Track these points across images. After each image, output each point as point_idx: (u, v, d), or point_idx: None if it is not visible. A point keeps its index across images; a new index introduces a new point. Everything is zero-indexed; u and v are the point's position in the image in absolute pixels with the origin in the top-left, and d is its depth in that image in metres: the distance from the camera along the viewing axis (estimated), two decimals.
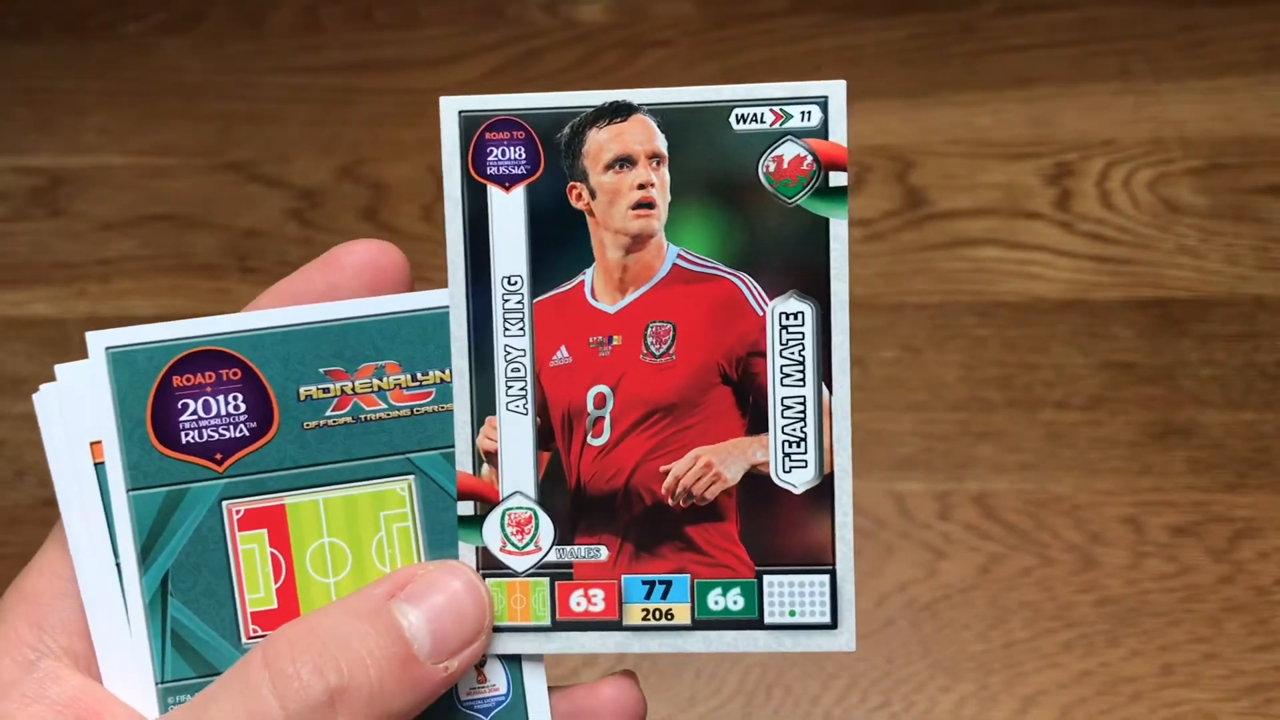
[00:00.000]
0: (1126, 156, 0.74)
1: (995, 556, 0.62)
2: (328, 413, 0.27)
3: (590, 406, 0.28)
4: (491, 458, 0.27)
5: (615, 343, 0.27)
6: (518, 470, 0.27)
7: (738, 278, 0.27)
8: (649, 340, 0.27)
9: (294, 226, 0.73)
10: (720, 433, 0.27)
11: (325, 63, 0.79)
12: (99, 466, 0.27)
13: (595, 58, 0.80)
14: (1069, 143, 0.75)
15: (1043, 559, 0.62)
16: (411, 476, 0.27)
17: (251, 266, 0.72)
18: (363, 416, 0.27)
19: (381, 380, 0.27)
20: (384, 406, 0.27)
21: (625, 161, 0.27)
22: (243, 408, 0.27)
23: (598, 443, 0.28)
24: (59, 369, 0.27)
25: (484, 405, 0.27)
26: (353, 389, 0.27)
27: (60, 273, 0.73)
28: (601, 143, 0.27)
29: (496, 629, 0.27)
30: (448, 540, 0.27)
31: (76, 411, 0.27)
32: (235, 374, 0.27)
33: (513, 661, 0.27)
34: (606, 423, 0.27)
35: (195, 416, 0.27)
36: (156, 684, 0.26)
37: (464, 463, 0.27)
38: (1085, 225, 0.72)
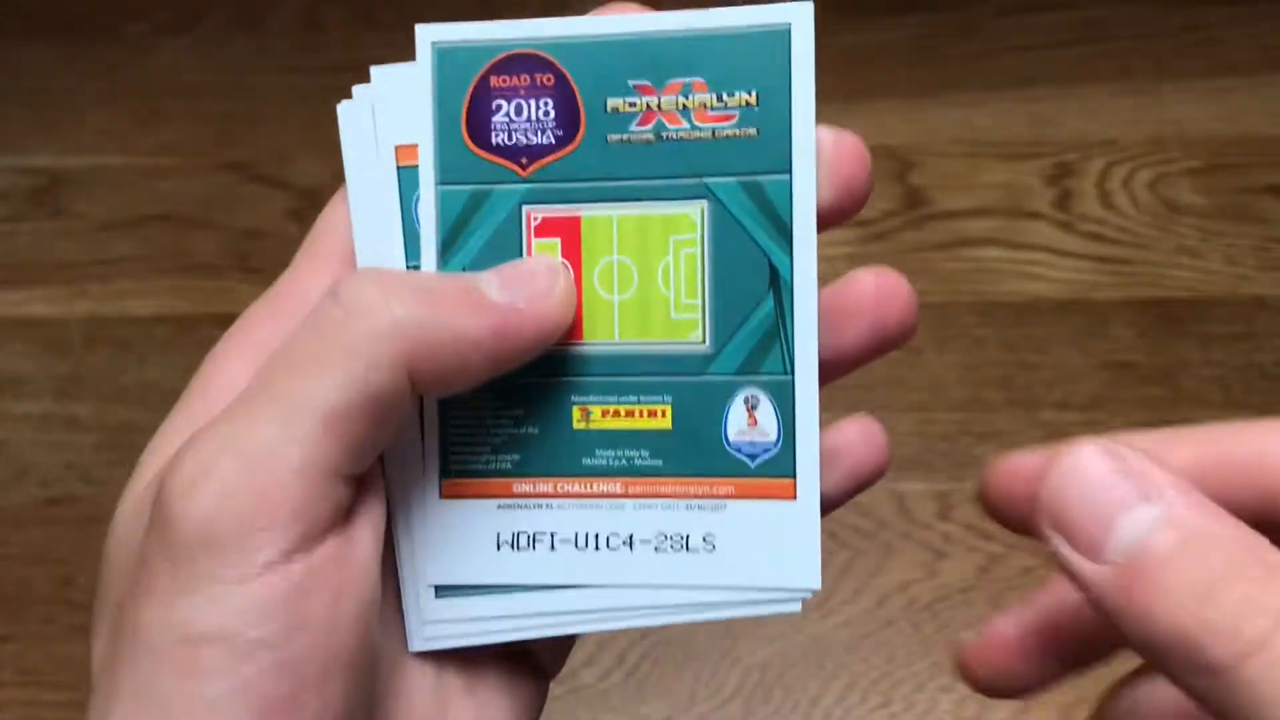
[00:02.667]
0: (1126, 156, 0.74)
1: (995, 556, 0.62)
2: (631, 127, 0.26)
3: None
4: None
5: None
6: None
7: None
8: None
9: (294, 226, 0.73)
10: None
11: (325, 63, 0.79)
12: (402, 170, 0.27)
13: None
14: (1069, 143, 0.75)
15: (1043, 559, 0.62)
16: (704, 201, 0.26)
17: (251, 266, 0.72)
18: (664, 135, 0.26)
19: (687, 99, 0.26)
20: (686, 126, 0.26)
21: None
22: (552, 114, 0.26)
23: None
24: (376, 70, 0.27)
25: None
26: (658, 105, 0.26)
27: (60, 273, 0.72)
28: None
29: None
30: (734, 275, 0.26)
31: (386, 114, 0.27)
32: (549, 80, 0.26)
33: (785, 409, 0.26)
34: None
35: (507, 118, 0.26)
36: None
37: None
38: (1085, 225, 0.72)
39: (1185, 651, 0.21)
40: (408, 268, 0.27)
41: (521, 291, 0.25)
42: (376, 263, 0.26)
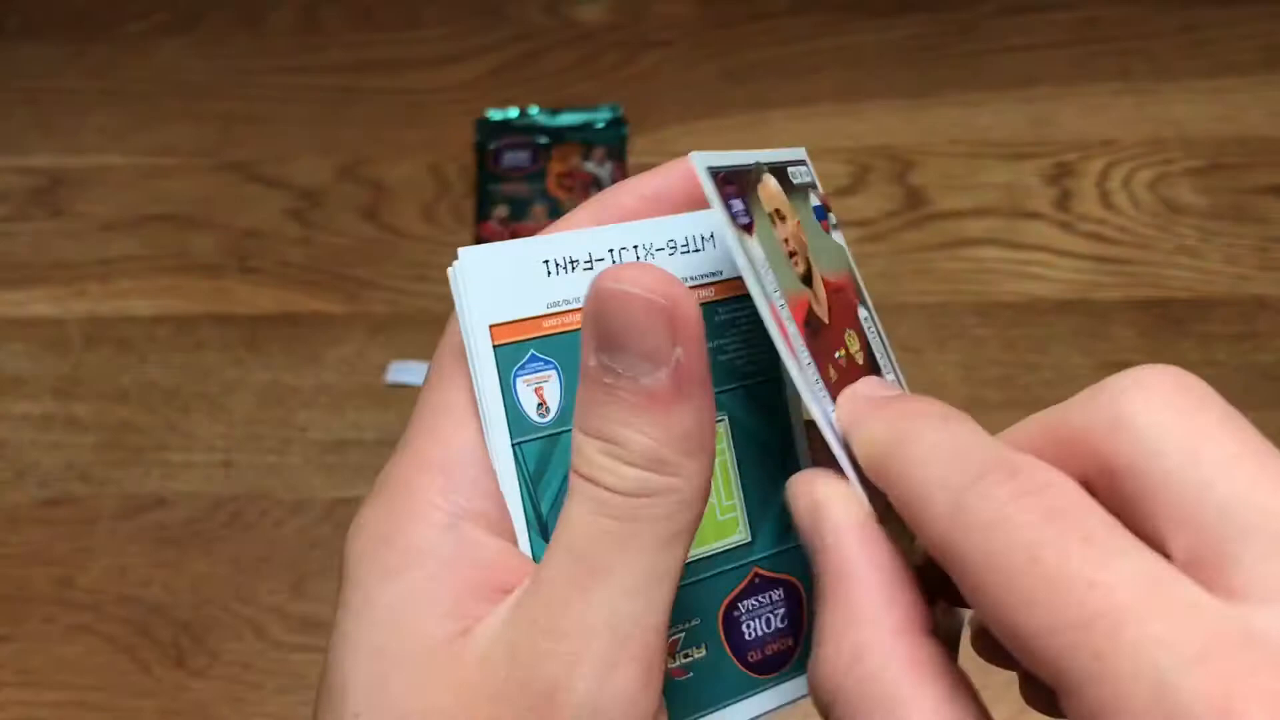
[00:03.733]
0: (1126, 156, 0.74)
1: None
2: None
3: None
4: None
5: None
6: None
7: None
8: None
9: (294, 226, 0.73)
10: None
11: (325, 63, 0.79)
12: (498, 349, 0.28)
13: (595, 58, 0.80)
14: (1069, 143, 0.75)
15: None
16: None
17: (251, 266, 0.72)
18: None
19: None
20: None
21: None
22: None
23: None
24: (463, 252, 0.27)
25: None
26: None
27: (60, 273, 0.72)
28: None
29: None
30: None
31: (477, 295, 0.28)
32: None
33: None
34: None
35: None
36: None
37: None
38: (1085, 225, 0.72)
39: None
40: (512, 445, 0.27)
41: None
42: (494, 439, 0.27)
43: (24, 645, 0.62)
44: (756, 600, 0.29)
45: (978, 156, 0.75)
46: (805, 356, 0.27)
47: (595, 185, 0.73)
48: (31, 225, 0.75)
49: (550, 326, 0.28)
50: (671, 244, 0.29)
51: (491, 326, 0.27)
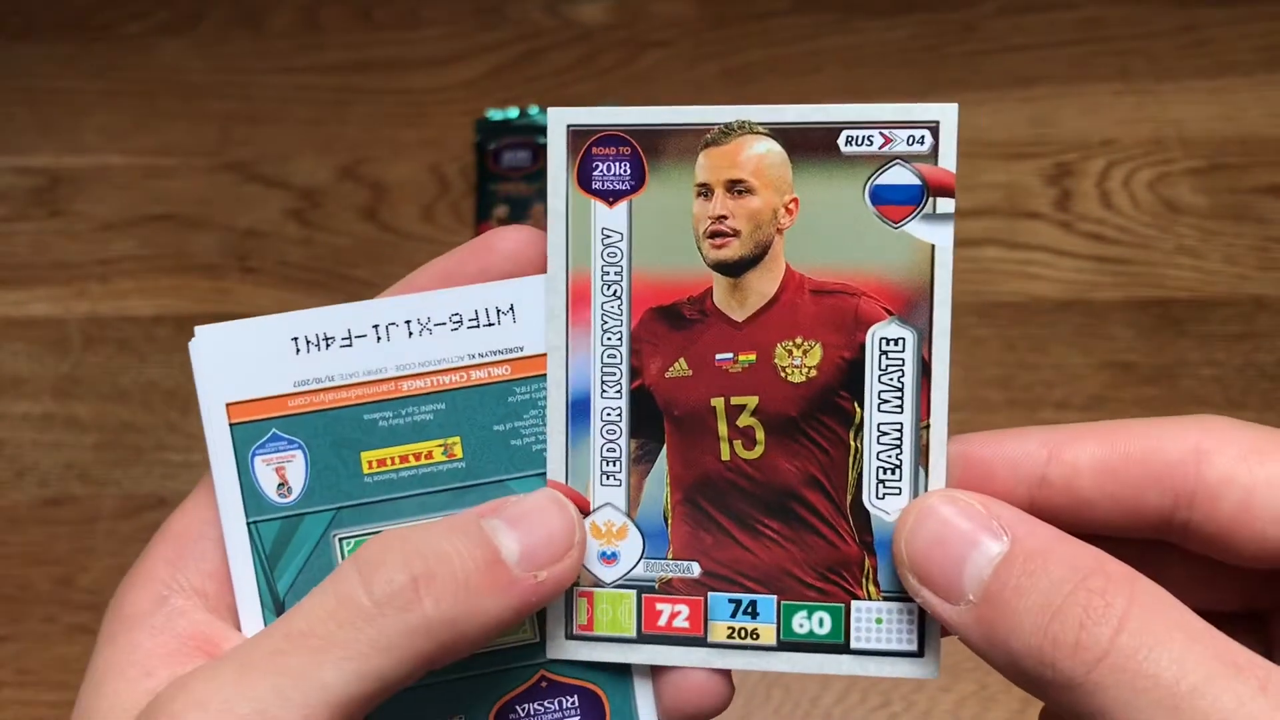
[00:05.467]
0: (1126, 156, 0.74)
1: None
2: None
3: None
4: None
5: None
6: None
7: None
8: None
9: (294, 226, 0.73)
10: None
11: (325, 63, 0.79)
12: (235, 428, 0.27)
13: (595, 58, 0.80)
14: (1069, 143, 0.75)
15: None
16: None
17: (251, 266, 0.72)
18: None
19: None
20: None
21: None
22: None
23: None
24: (199, 330, 0.27)
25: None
26: None
27: (60, 273, 0.73)
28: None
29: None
30: None
31: (213, 372, 0.27)
32: None
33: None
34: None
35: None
36: None
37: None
38: (1085, 225, 0.72)
39: (1042, 670, 0.21)
40: (248, 524, 0.27)
41: (542, 555, 0.25)
42: (227, 517, 0.27)
43: (24, 645, 0.62)
44: (541, 704, 0.28)
45: (978, 156, 0.75)
46: (596, 341, 0.26)
47: None
48: (31, 225, 0.75)
49: (297, 405, 0.27)
50: (455, 318, 0.27)
51: (229, 404, 0.27)
